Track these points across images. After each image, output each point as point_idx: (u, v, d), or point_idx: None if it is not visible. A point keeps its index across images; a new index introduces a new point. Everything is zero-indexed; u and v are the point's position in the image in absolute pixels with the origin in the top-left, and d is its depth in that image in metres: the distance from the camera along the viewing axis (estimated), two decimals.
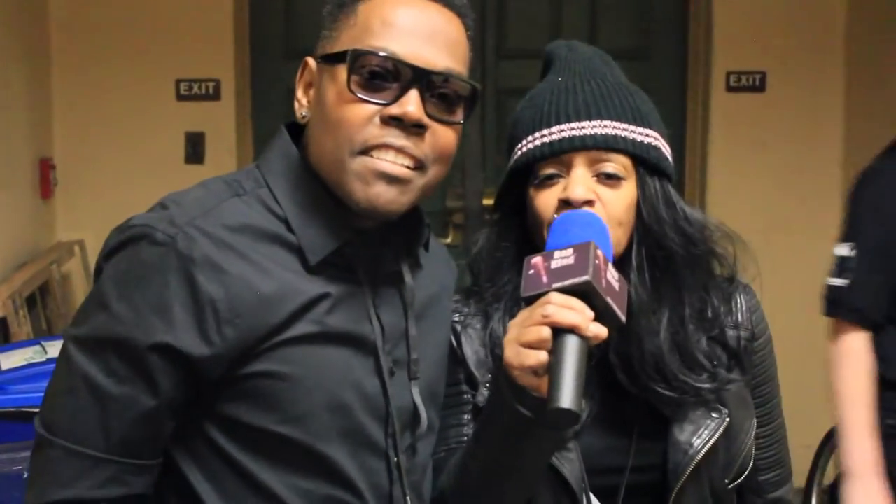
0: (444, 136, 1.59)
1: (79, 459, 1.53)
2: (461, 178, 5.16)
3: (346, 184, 1.56)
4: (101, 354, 1.51)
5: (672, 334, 1.76)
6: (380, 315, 1.65)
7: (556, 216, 1.68)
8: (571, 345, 1.46)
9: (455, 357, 1.82)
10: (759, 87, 5.34)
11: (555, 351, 1.47)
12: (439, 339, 1.81)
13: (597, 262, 1.50)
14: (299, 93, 1.66)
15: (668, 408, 1.76)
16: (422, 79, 1.54)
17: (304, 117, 1.65)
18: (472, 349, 1.81)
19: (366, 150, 1.55)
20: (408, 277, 1.70)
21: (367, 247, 1.64)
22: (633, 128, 1.75)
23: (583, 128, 1.72)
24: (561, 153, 1.72)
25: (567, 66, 1.82)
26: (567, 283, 1.50)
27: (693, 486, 1.76)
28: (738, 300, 1.85)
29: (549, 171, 1.73)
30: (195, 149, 5.15)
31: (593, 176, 1.72)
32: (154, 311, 1.49)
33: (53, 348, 3.29)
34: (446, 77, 1.57)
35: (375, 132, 1.54)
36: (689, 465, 1.74)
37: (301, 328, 1.56)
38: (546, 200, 1.73)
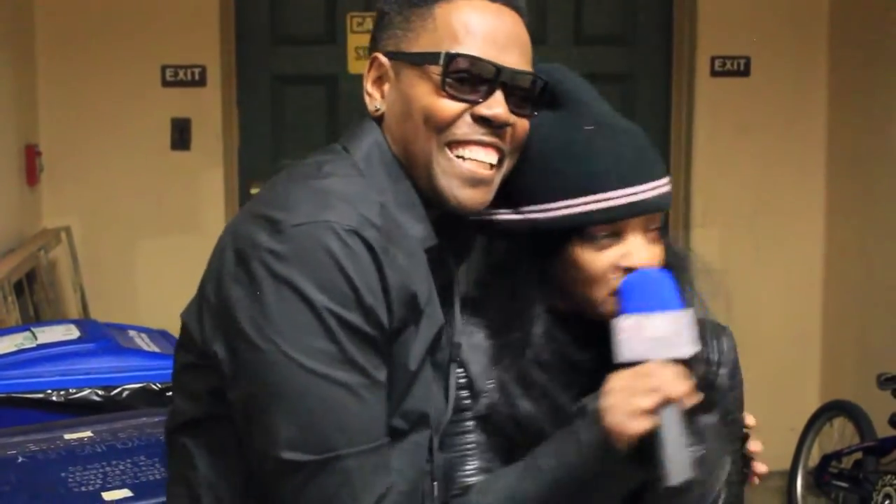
0: (521, 128, 1.72)
1: (372, 455, 1.53)
2: None
3: (434, 177, 1.67)
4: (340, 357, 1.50)
5: None
6: None
7: (616, 276, 1.71)
8: (675, 415, 1.53)
9: None
10: (743, 71, 5.37)
11: (661, 420, 1.54)
12: None
13: (694, 331, 1.59)
14: (369, 87, 1.75)
15: None
16: (506, 80, 1.68)
17: (377, 110, 1.73)
18: (475, 357, 1.81)
19: (454, 144, 1.67)
20: (459, 286, 1.81)
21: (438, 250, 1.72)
22: (666, 180, 1.79)
23: (636, 193, 1.73)
24: (619, 220, 1.73)
25: (587, 109, 1.81)
26: (672, 355, 1.58)
27: None
28: (722, 342, 1.91)
29: (605, 232, 1.74)
30: (181, 135, 5.16)
31: (645, 236, 1.76)
32: (359, 289, 1.51)
33: (44, 334, 3.29)
34: (525, 76, 1.71)
35: (466, 129, 1.67)
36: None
37: (423, 326, 1.63)
38: (601, 262, 1.73)
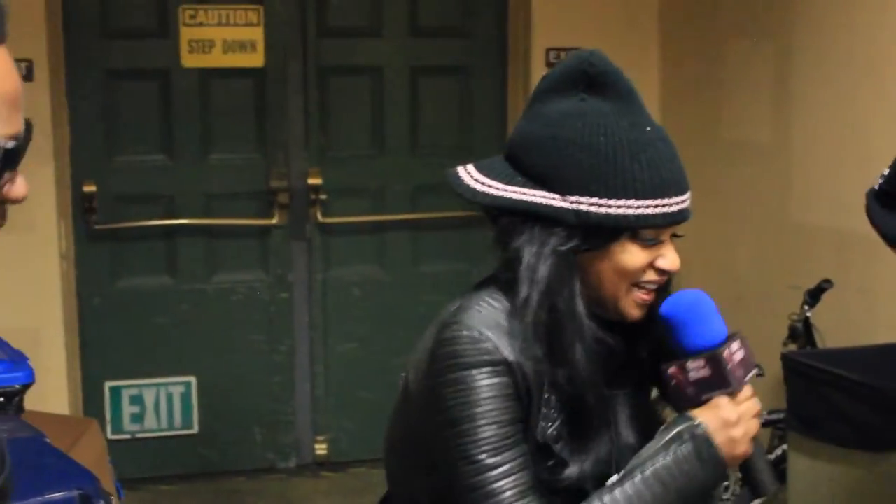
0: None
1: None
2: (284, 159, 5.12)
3: None
4: None
5: None
6: None
7: (647, 274, 1.82)
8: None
9: (518, 394, 1.77)
10: None
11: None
12: None
13: (730, 366, 1.77)
14: None
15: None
16: None
17: None
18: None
19: None
20: None
21: None
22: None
23: (683, 201, 1.82)
24: (671, 225, 1.82)
25: (639, 106, 1.92)
26: (714, 393, 1.78)
27: None
28: None
29: (652, 235, 1.81)
30: None
31: (671, 240, 1.86)
32: None
33: None
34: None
35: None
36: None
37: None
38: (640, 260, 1.81)
